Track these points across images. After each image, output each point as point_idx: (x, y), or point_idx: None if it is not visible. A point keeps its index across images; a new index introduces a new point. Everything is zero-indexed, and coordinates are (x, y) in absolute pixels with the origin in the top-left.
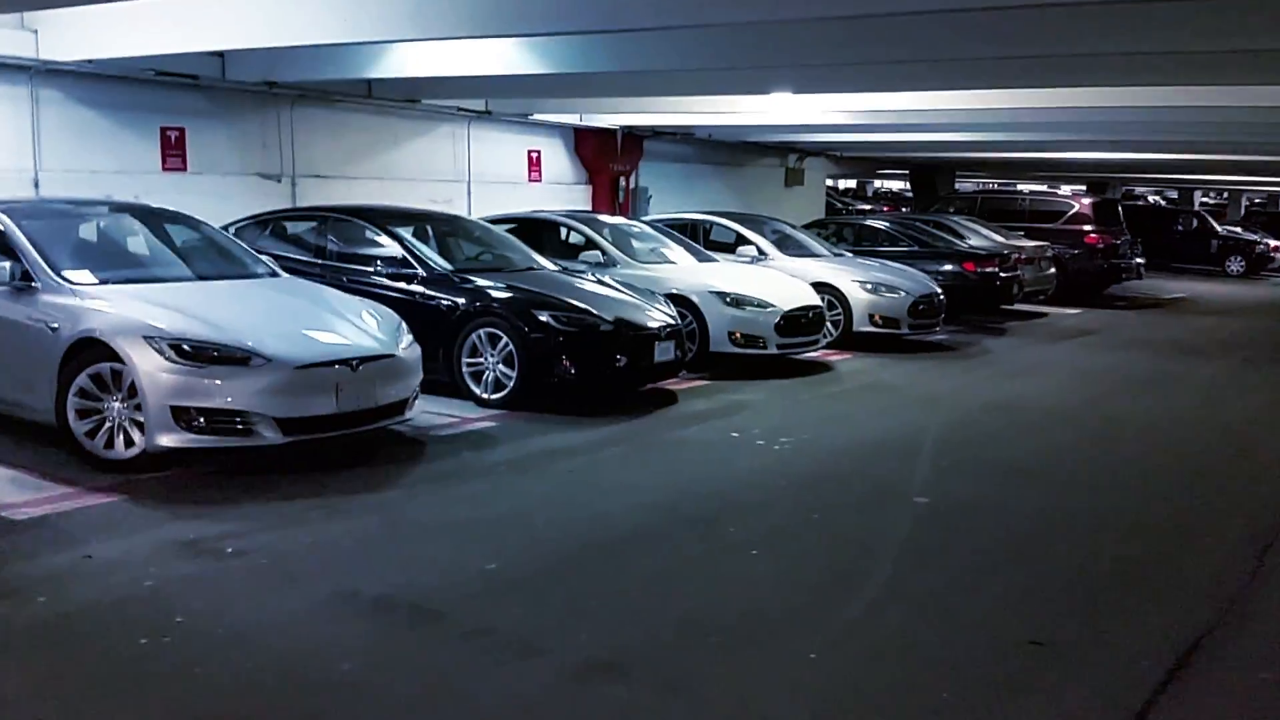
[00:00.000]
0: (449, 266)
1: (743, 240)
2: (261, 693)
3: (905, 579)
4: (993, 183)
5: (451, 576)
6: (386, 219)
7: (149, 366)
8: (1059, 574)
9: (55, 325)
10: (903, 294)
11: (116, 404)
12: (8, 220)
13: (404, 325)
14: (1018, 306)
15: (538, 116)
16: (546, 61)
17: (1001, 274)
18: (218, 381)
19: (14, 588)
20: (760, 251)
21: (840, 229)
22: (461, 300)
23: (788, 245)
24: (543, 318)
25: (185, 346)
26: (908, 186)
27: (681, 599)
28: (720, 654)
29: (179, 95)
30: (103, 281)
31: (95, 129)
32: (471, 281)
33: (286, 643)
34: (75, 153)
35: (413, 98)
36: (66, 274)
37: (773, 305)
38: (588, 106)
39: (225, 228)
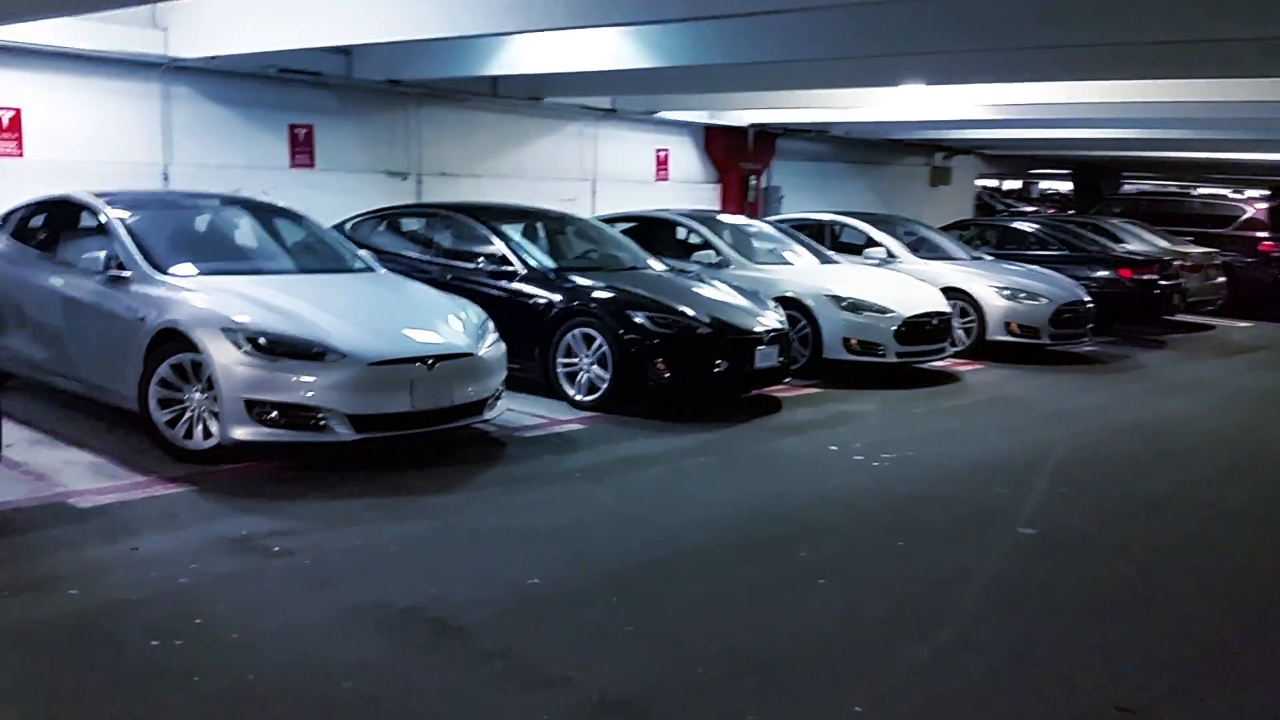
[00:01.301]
0: (550, 265)
1: (872, 242)
2: (248, 706)
3: (986, 623)
4: (1167, 185)
5: (489, 590)
6: (491, 216)
7: (225, 359)
8: (1167, 629)
9: (143, 315)
10: (1044, 301)
11: (196, 395)
12: (108, 211)
13: (490, 324)
14: (1180, 318)
15: (665, 114)
16: (667, 54)
17: (1161, 282)
18: (292, 376)
19: (51, 577)
20: (889, 254)
21: (983, 231)
22: (558, 299)
23: (922, 248)
24: (638, 319)
25: (262, 340)
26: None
27: (726, 631)
28: (753, 699)
29: (307, 93)
30: (192, 273)
31: (224, 125)
32: (571, 280)
33: (296, 654)
34: (204, 148)
35: (536, 95)
36: (157, 265)
37: (893, 311)
38: (717, 104)
39: (343, 223)
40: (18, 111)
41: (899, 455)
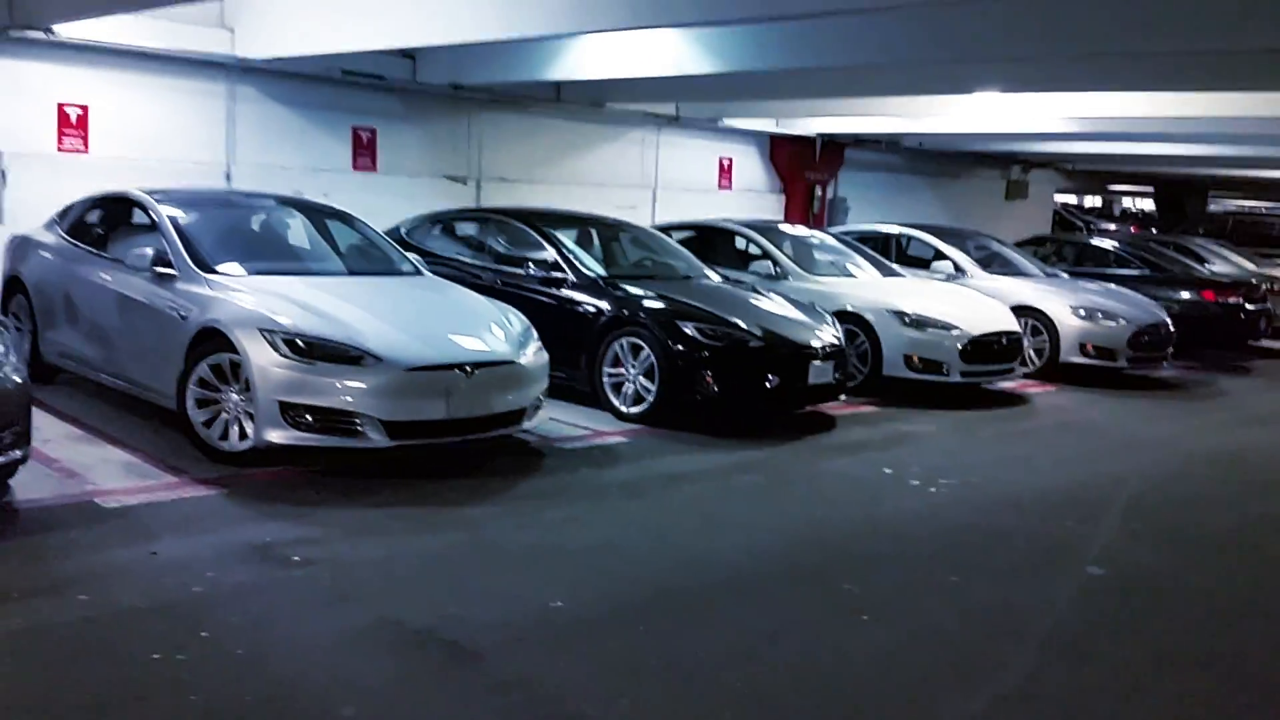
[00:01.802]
0: (600, 272)
1: (940, 256)
2: None
3: (1046, 675)
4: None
5: (509, 612)
6: (544, 221)
7: (262, 360)
8: (1248, 687)
9: (185, 313)
10: (1122, 322)
11: (234, 396)
12: (158, 208)
13: (532, 331)
14: (1267, 344)
15: (730, 123)
16: (730, 59)
17: (1248, 305)
18: (327, 379)
19: (63, 581)
20: (957, 268)
21: (1060, 248)
22: (607, 307)
23: (993, 263)
24: (687, 329)
25: (299, 342)
26: None
27: (757, 670)
28: None
29: (371, 97)
30: (238, 272)
31: (288, 126)
32: (621, 289)
33: (299, 674)
34: (267, 149)
35: (599, 101)
36: (203, 263)
37: (959, 328)
38: (783, 111)
39: (399, 225)
40: (85, 109)
41: (959, 481)
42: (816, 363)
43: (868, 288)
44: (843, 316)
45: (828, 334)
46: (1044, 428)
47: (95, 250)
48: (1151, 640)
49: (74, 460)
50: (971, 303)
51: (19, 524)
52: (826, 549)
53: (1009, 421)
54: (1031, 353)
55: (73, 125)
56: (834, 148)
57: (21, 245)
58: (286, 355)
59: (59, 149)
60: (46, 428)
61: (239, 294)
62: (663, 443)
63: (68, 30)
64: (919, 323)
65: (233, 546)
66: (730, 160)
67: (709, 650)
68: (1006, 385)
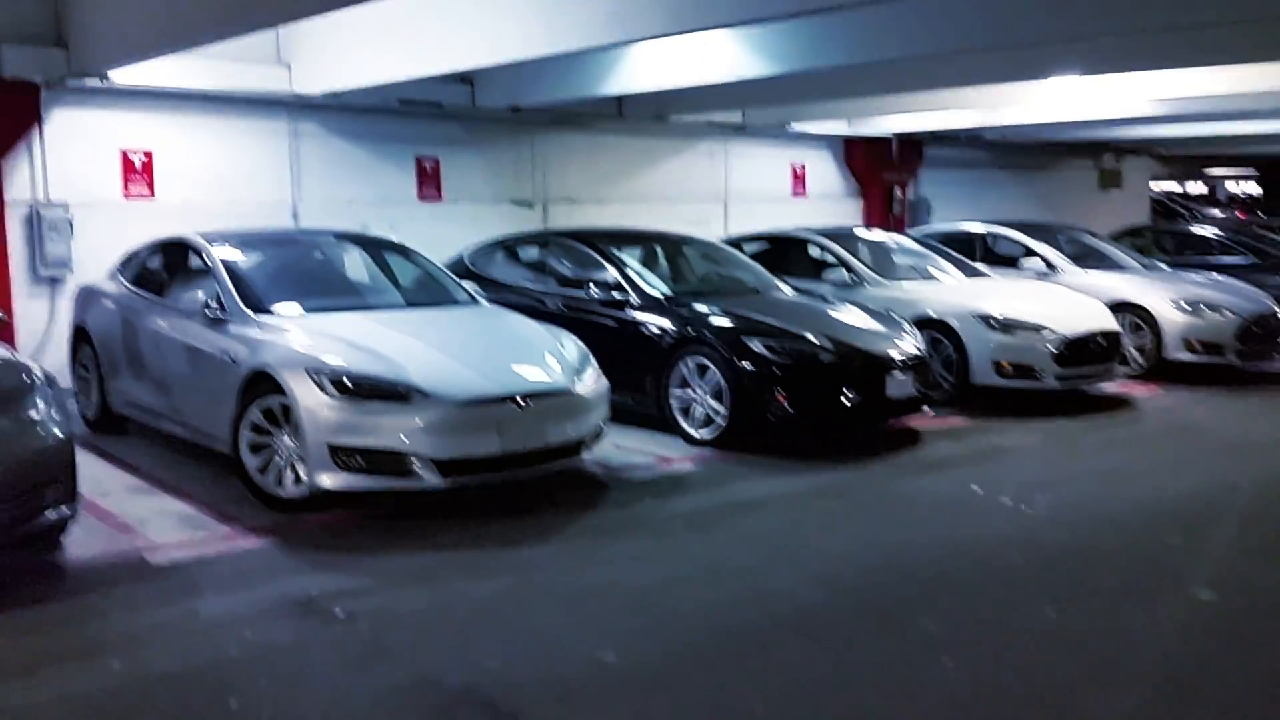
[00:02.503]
0: (664, 290)
1: (1029, 253)
2: None
3: (1151, 718)
4: None
5: (554, 664)
6: (605, 241)
7: (310, 402)
8: None
9: (236, 357)
10: (1229, 314)
11: (286, 440)
12: (210, 250)
13: (590, 358)
14: None
15: (800, 127)
16: (789, 59)
17: None
18: (375, 419)
19: (98, 645)
20: (1048, 265)
21: (1158, 238)
22: (671, 327)
23: (1087, 258)
24: (755, 346)
25: (346, 381)
26: None
27: None
28: None
29: (433, 125)
30: (289, 313)
31: (351, 160)
32: (686, 307)
33: None
34: (332, 184)
35: (662, 114)
36: (255, 305)
37: (1052, 329)
38: (855, 112)
39: (462, 254)
40: (149, 154)
41: (1054, 498)
42: (895, 374)
43: (951, 291)
44: (925, 323)
45: (907, 343)
46: (1148, 433)
47: (153, 297)
48: (1269, 675)
49: (130, 513)
50: (1064, 301)
51: (64, 584)
52: (905, 579)
53: (1110, 428)
54: (1133, 352)
55: (137, 171)
56: (911, 146)
57: (86, 296)
58: (334, 395)
59: (125, 196)
60: (108, 480)
61: (288, 334)
62: (733, 468)
63: (125, 76)
64: (1007, 325)
65: (275, 602)
66: (803, 166)
67: (770, 701)
68: (1107, 388)
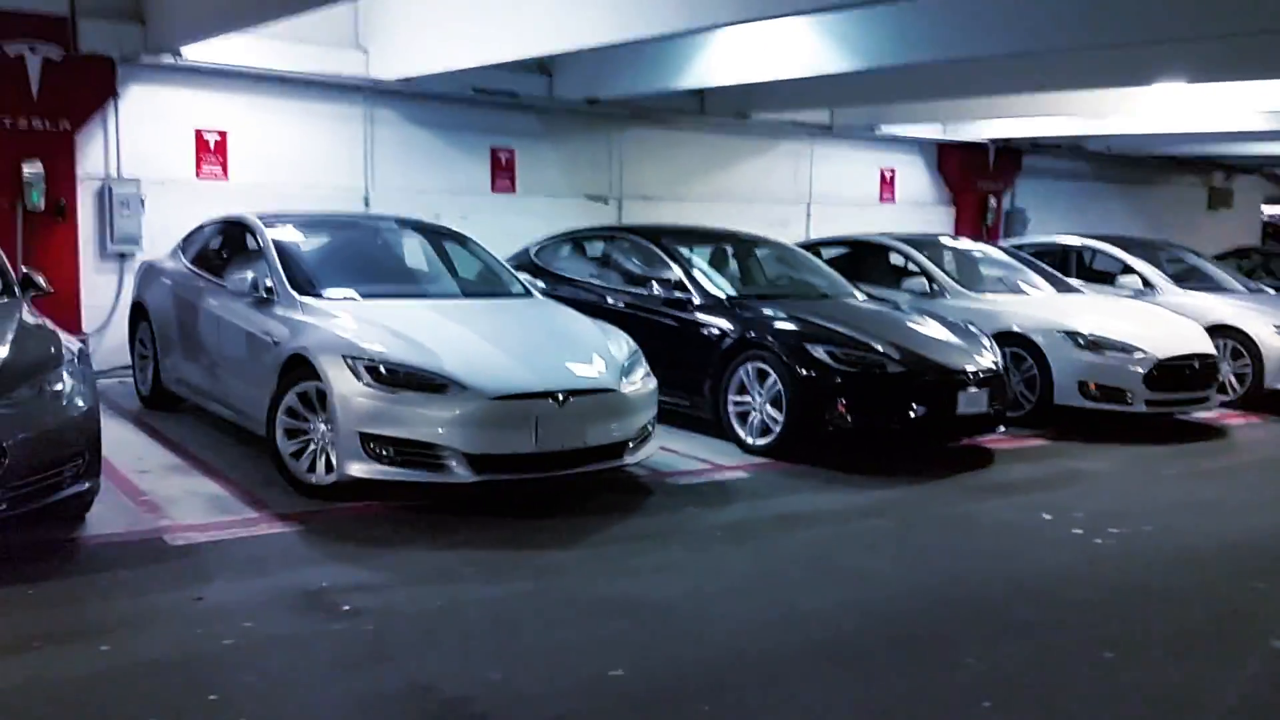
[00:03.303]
0: (728, 292)
1: (1127, 270)
2: None
3: None
4: None
5: (558, 679)
6: (670, 238)
7: (344, 389)
8: None
9: (278, 339)
10: None
11: (321, 426)
12: (263, 231)
13: (640, 357)
14: None
15: (890, 129)
16: (876, 52)
17: None
18: (409, 409)
19: (93, 628)
20: (1146, 284)
21: (1267, 260)
22: (732, 329)
23: (1189, 278)
24: (817, 353)
25: (381, 369)
26: None
27: None
28: None
29: (509, 117)
30: (336, 297)
31: (426, 149)
32: (750, 309)
33: None
34: (406, 172)
35: (744, 112)
36: (301, 287)
37: (1144, 350)
38: (949, 114)
39: (528, 247)
40: (223, 135)
41: (1131, 530)
42: (968, 390)
43: (1037, 306)
44: (1007, 338)
45: (983, 357)
46: (1240, 466)
47: (209, 276)
48: None
49: (161, 492)
50: (1159, 322)
51: (75, 561)
52: (952, 612)
53: (1199, 458)
54: (1231, 378)
55: (211, 151)
56: (1009, 155)
57: (146, 272)
58: (369, 384)
59: (198, 175)
60: (149, 457)
61: (331, 319)
62: (786, 479)
63: (199, 53)
64: (1096, 344)
65: (284, 592)
66: (893, 171)
67: None
68: (1200, 416)
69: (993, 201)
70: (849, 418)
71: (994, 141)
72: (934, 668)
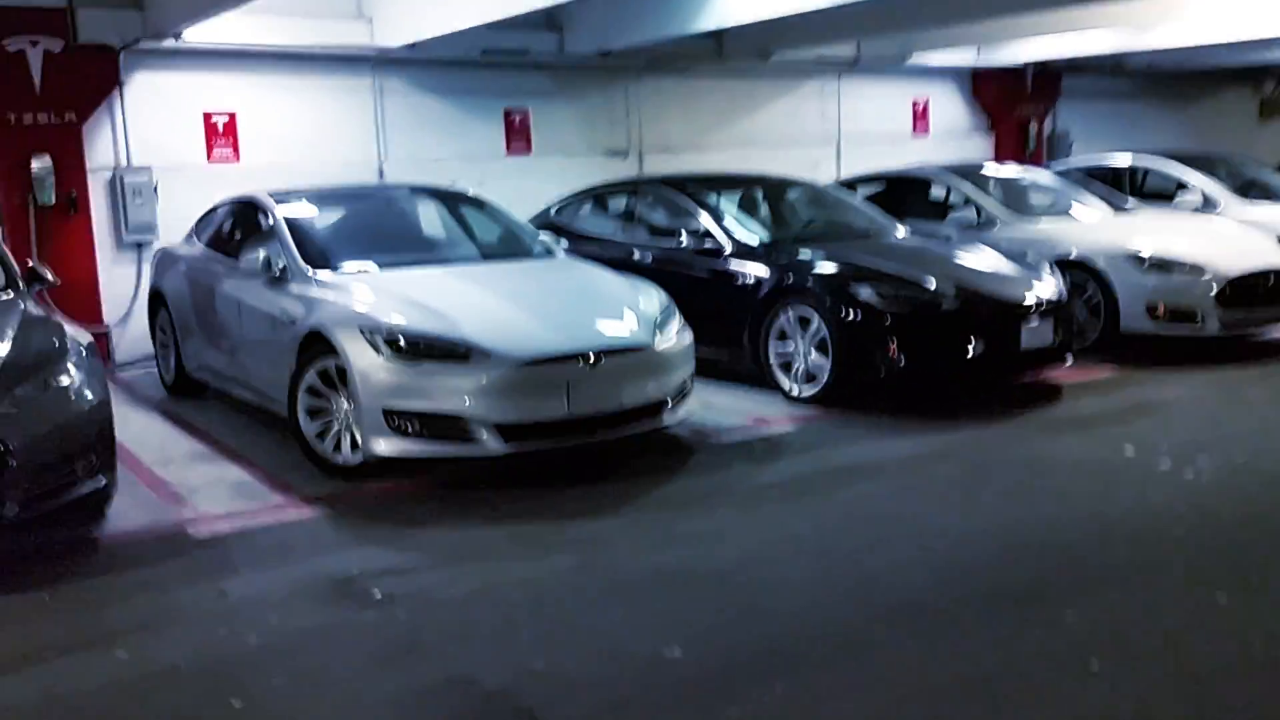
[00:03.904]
0: (760, 237)
1: (1183, 186)
2: None
3: None
4: None
5: (610, 664)
6: (696, 186)
7: (363, 363)
8: None
9: (294, 317)
10: None
11: (343, 404)
12: (273, 208)
13: (674, 311)
14: None
15: (921, 58)
16: None
17: None
18: (433, 380)
19: (111, 633)
20: (1206, 199)
21: None
22: (770, 276)
23: (1253, 191)
24: (862, 295)
25: (401, 341)
26: None
27: None
28: None
29: (520, 77)
30: (352, 269)
31: (437, 116)
32: (786, 254)
33: None
34: (418, 141)
35: (765, 52)
36: (314, 262)
37: (1212, 268)
38: (984, 37)
39: (549, 207)
40: (232, 116)
41: (1222, 461)
42: (1031, 322)
43: (1096, 229)
44: (1067, 265)
45: (1045, 287)
46: None
47: (223, 258)
48: None
49: (184, 482)
50: (1226, 237)
51: (94, 560)
52: (1042, 562)
53: None
54: None
55: (220, 134)
56: (1048, 77)
57: (163, 259)
58: (389, 357)
59: (209, 159)
60: (173, 446)
61: (346, 292)
62: (838, 429)
63: (201, 35)
64: (1162, 265)
65: (312, 581)
66: (926, 102)
67: (865, 716)
68: (1279, 334)
69: (1033, 127)
70: (901, 360)
71: (1031, 64)
72: (1029, 627)
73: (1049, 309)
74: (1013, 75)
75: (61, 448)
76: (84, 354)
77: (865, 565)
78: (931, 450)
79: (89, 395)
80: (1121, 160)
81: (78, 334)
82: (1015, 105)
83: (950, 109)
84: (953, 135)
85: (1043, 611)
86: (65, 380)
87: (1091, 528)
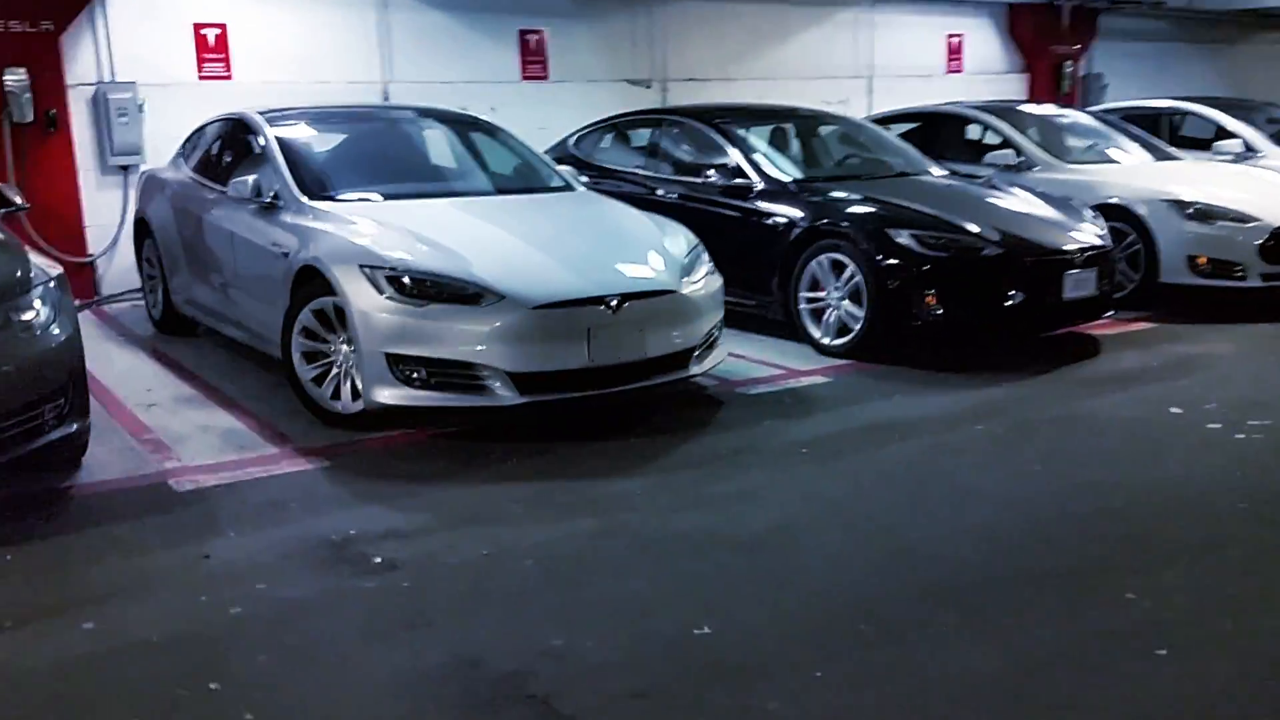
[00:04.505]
0: (794, 175)
1: (1224, 133)
2: None
3: None
4: None
5: (632, 644)
6: (725, 119)
7: (364, 304)
8: None
9: (287, 250)
10: None
11: (343, 347)
12: (265, 129)
13: (702, 252)
14: None
15: None
16: None
17: None
18: (440, 324)
19: (77, 599)
20: (1248, 147)
21: None
22: (801, 217)
23: None
24: (900, 239)
25: (405, 279)
26: None
27: None
28: None
29: None
30: (351, 198)
31: (448, 36)
32: (819, 194)
33: None
34: (427, 63)
35: None
36: (310, 190)
37: (1257, 219)
38: None
39: (567, 137)
40: (223, 28)
41: (1275, 421)
42: (1073, 272)
43: (1137, 175)
44: (1105, 212)
45: (1088, 234)
46: None
47: (211, 183)
48: None
49: (170, 429)
50: (1270, 187)
51: (66, 516)
52: (1094, 534)
53: None
54: None
55: (211, 48)
56: (1085, 15)
57: (148, 183)
58: (392, 297)
59: (200, 76)
60: (160, 388)
61: (344, 224)
62: (873, 382)
63: None
64: (1205, 214)
65: (306, 543)
66: (960, 38)
67: (909, 706)
68: None
69: (1068, 67)
70: (939, 309)
71: (1069, 0)
72: (1084, 606)
73: (1093, 257)
74: (1050, 11)
75: (27, 390)
76: (51, 286)
77: (904, 535)
78: (969, 407)
79: (56, 332)
80: (1158, 104)
81: (46, 264)
82: (1050, 44)
83: (985, 47)
84: (987, 74)
85: (1098, 588)
86: (29, 315)
87: (1143, 496)
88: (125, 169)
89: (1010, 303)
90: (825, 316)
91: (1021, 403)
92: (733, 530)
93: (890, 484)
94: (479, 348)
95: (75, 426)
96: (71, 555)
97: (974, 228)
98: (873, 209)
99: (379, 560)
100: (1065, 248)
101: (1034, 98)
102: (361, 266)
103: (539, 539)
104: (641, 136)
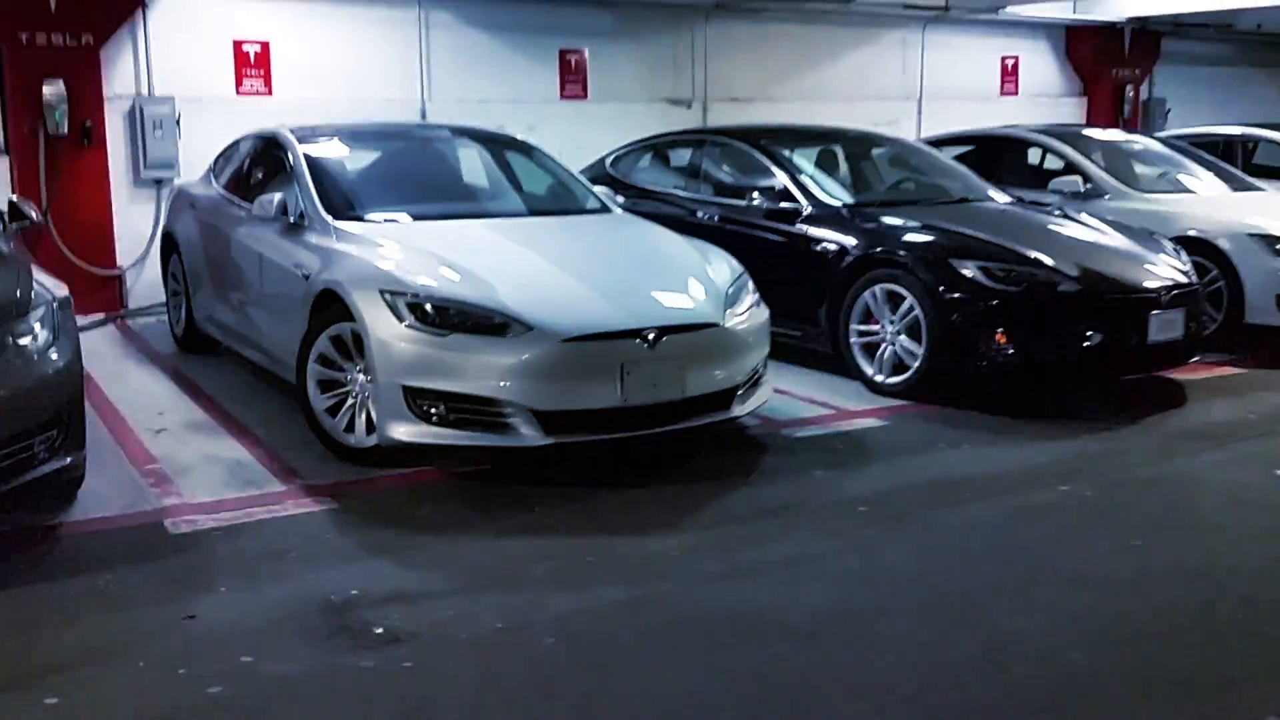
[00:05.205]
0: (845, 199)
1: None
2: None
3: None
4: None
5: None
6: (771, 140)
7: (383, 332)
8: None
9: (308, 272)
10: None
11: (359, 376)
12: (294, 146)
13: (747, 281)
14: None
15: (1014, 11)
16: None
17: None
18: (463, 355)
19: (43, 668)
20: None
21: None
22: (854, 244)
23: None
24: (966, 271)
25: (427, 307)
26: None
27: None
28: None
29: (579, 15)
30: (379, 219)
31: (487, 55)
32: (873, 219)
33: None
34: (465, 81)
35: None
36: (337, 210)
37: None
38: None
39: (605, 157)
40: (265, 45)
41: None
42: (1159, 312)
43: (1216, 205)
44: (1184, 246)
45: (1173, 270)
46: None
47: (238, 200)
48: None
49: (175, 458)
50: None
51: (47, 561)
52: (1223, 633)
53: None
54: None
55: (251, 65)
56: (1147, 38)
57: (177, 198)
58: (412, 324)
59: (238, 92)
60: (172, 412)
61: (369, 246)
62: (935, 427)
63: None
64: None
65: (301, 603)
66: (1015, 60)
67: None
68: None
69: (1129, 91)
70: (1010, 349)
71: (1131, 21)
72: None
73: (1180, 296)
74: (1110, 34)
75: (18, 420)
76: (55, 308)
77: (995, 624)
78: (1049, 463)
79: (54, 357)
80: (1230, 131)
81: (52, 284)
82: (1111, 68)
83: (1041, 69)
84: (1043, 97)
85: (1235, 703)
86: (26, 339)
87: (1267, 581)
88: (159, 183)
89: (1089, 344)
90: (879, 352)
91: (1108, 459)
92: (787, 610)
93: (967, 556)
94: (503, 383)
95: (70, 459)
96: (47, 611)
97: (1048, 260)
98: (933, 237)
99: (380, 631)
100: (1149, 285)
101: (1093, 122)
102: (382, 292)
103: (561, 611)
104: (681, 157)
